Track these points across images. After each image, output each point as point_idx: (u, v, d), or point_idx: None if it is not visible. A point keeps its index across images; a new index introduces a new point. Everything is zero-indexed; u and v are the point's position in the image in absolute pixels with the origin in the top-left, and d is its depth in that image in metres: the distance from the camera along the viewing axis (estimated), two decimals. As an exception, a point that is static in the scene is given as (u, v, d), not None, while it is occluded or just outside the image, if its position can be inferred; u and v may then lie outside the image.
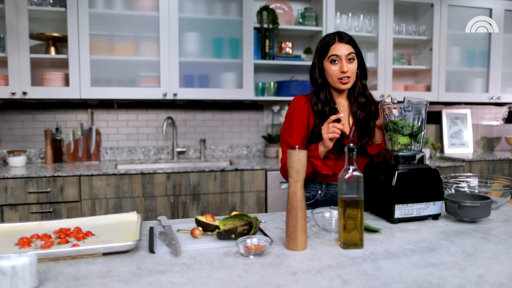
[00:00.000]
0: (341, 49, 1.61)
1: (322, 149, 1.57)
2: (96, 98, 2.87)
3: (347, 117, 1.72)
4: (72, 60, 2.77)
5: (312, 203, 1.73)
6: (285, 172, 1.68)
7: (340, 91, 1.71)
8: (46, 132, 2.99)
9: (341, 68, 1.61)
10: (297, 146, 1.31)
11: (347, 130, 1.68)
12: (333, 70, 1.63)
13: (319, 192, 1.72)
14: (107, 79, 2.92)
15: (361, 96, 1.70)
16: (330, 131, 1.49)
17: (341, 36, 1.64)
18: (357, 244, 1.08)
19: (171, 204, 2.73)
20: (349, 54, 1.62)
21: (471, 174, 1.76)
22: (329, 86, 1.70)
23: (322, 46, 1.66)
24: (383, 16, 3.32)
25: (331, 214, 1.30)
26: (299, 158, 1.08)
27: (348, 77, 1.62)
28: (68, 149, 3.07)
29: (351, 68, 1.63)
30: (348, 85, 1.65)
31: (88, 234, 1.17)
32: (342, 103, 1.73)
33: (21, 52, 2.70)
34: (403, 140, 1.36)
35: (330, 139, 1.51)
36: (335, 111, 1.67)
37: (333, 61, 1.63)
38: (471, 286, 0.85)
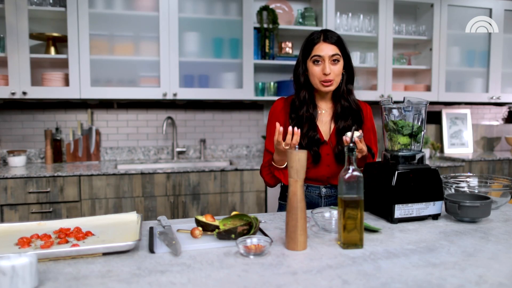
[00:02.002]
0: (325, 49, 1.52)
1: (276, 158, 1.54)
2: (96, 98, 2.87)
3: (328, 122, 1.64)
4: (72, 60, 2.77)
5: None
6: (261, 174, 1.67)
7: (323, 93, 1.62)
8: (46, 132, 2.98)
9: (323, 69, 1.52)
10: (297, 146, 1.31)
11: (326, 136, 1.62)
12: (315, 71, 1.54)
13: None
14: (107, 79, 2.92)
15: (344, 100, 1.61)
16: (274, 139, 1.43)
17: (327, 36, 1.54)
18: (357, 244, 1.08)
19: (171, 204, 2.73)
20: (333, 55, 1.52)
21: (471, 174, 1.76)
22: (311, 86, 1.62)
23: (306, 45, 1.58)
24: (383, 16, 3.32)
25: (331, 214, 1.30)
26: (299, 158, 1.07)
27: (331, 80, 1.53)
28: (68, 149, 3.07)
29: (335, 70, 1.53)
30: (331, 88, 1.56)
31: (88, 234, 1.17)
32: (323, 106, 1.65)
33: (21, 52, 2.70)
34: (403, 140, 1.36)
35: (277, 148, 1.45)
36: (312, 117, 1.60)
37: (316, 62, 1.54)
38: (471, 286, 0.85)
